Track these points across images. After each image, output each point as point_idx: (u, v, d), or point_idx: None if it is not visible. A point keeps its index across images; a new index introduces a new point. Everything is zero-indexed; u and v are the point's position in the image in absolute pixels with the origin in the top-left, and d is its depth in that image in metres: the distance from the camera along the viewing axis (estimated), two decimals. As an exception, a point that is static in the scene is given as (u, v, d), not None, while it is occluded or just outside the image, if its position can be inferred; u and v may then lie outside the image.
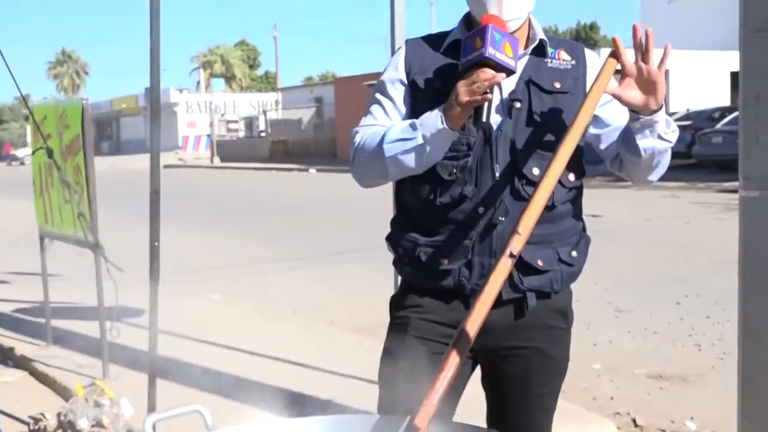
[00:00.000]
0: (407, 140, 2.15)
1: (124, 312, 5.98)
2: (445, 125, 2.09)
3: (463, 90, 2.04)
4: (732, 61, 26.29)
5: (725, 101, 29.63)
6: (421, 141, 2.13)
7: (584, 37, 61.13)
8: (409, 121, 2.18)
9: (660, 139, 2.19)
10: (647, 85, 2.14)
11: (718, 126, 22.14)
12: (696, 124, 23.15)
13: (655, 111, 2.15)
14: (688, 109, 26.29)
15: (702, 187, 18.58)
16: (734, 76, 29.16)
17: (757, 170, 2.23)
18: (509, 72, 2.07)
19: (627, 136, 2.22)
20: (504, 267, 1.97)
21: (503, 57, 2.03)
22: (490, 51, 2.02)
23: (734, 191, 2.82)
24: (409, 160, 2.16)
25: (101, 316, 5.22)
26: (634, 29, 2.13)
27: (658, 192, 17.11)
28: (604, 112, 2.30)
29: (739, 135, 2.29)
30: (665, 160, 2.28)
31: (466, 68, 2.07)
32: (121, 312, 5.31)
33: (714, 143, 21.38)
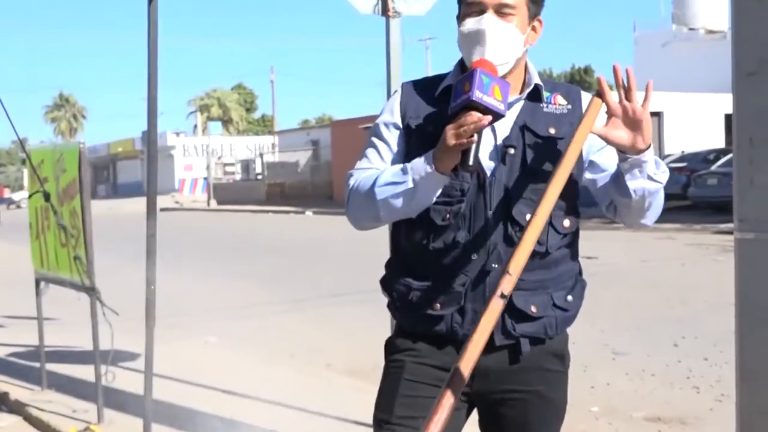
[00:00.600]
0: (398, 184, 2.17)
1: (120, 356, 5.95)
2: (433, 169, 2.10)
3: (450, 133, 2.06)
4: (726, 103, 26.51)
5: (720, 143, 29.78)
6: (411, 185, 2.14)
7: (579, 80, 61.54)
8: (401, 165, 2.20)
9: (650, 180, 2.21)
10: (633, 123, 2.16)
11: (713, 168, 22.23)
12: (691, 166, 23.25)
13: (643, 150, 2.17)
14: (683, 151, 26.40)
15: (698, 229, 18.60)
16: (728, 118, 29.36)
17: (752, 212, 2.24)
18: (498, 115, 2.07)
19: (617, 178, 2.24)
20: (495, 308, 1.98)
21: (491, 100, 2.04)
22: (477, 94, 2.02)
23: (730, 233, 2.82)
24: (400, 203, 2.18)
25: (96, 360, 5.19)
26: (615, 69, 2.15)
27: (654, 233, 17.12)
28: (601, 157, 2.31)
29: (733, 178, 2.29)
30: (658, 202, 2.29)
31: (455, 112, 2.08)
32: (116, 356, 5.28)
33: (709, 185, 21.45)
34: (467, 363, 1.95)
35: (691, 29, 41.96)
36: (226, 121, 76.16)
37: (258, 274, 13.72)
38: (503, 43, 2.19)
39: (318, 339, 8.19)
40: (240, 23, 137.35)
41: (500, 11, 2.19)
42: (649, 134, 2.17)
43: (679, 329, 7.92)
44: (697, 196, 21.84)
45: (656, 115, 31.08)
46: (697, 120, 31.60)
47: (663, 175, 2.24)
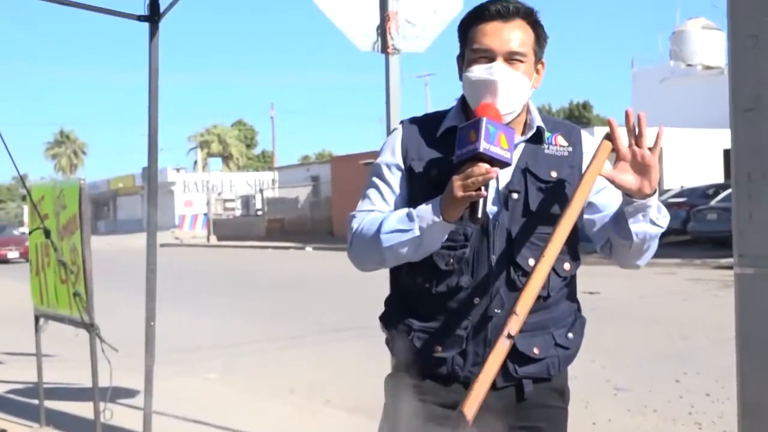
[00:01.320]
0: (404, 231, 2.15)
1: (119, 393, 5.92)
2: (441, 219, 2.09)
3: (457, 185, 2.03)
4: (724, 138, 26.58)
5: (719, 178, 29.87)
6: (417, 233, 2.13)
7: (577, 115, 61.82)
8: (406, 211, 2.18)
9: (652, 224, 2.21)
10: (642, 168, 2.15)
11: (713, 203, 22.28)
12: (690, 201, 23.28)
13: (649, 195, 2.17)
14: (682, 187, 26.47)
15: (698, 264, 18.58)
16: (727, 153, 29.47)
17: (752, 248, 2.24)
18: (505, 164, 2.06)
19: (619, 220, 2.23)
20: (502, 348, 1.98)
21: (498, 150, 2.02)
22: (484, 146, 2.00)
23: (730, 267, 2.83)
24: (406, 250, 2.17)
25: (95, 397, 5.16)
26: (627, 114, 2.15)
27: (655, 269, 17.10)
28: (599, 198, 2.31)
29: (732, 213, 2.30)
30: (655, 245, 2.30)
31: (461, 162, 2.06)
32: (115, 393, 5.26)
33: (709, 220, 21.48)
34: (471, 405, 1.95)
35: (688, 65, 42.23)
36: (227, 157, 76.38)
37: (258, 310, 13.68)
38: (513, 92, 2.18)
39: (318, 375, 8.15)
40: (240, 60, 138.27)
41: (510, 59, 2.18)
42: (656, 179, 2.16)
43: (681, 365, 7.88)
44: (697, 231, 21.85)
45: (655, 150, 31.19)
46: (695, 155, 31.72)
47: (664, 220, 2.24)
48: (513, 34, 2.19)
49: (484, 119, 2.03)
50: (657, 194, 2.20)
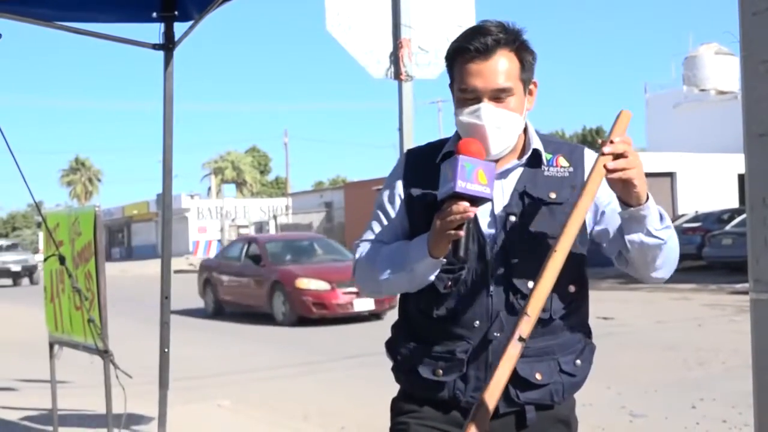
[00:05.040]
0: (396, 266, 2.21)
1: (133, 419, 5.92)
2: (428, 256, 2.12)
3: (438, 224, 2.06)
4: (739, 163, 26.52)
5: (733, 203, 29.75)
6: (408, 269, 2.18)
7: (590, 141, 61.76)
8: (401, 245, 2.24)
9: (649, 236, 2.15)
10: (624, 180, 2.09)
11: (728, 228, 22.16)
12: (705, 226, 23.17)
13: (642, 203, 2.11)
14: (696, 211, 26.35)
15: (714, 289, 18.48)
16: (742, 178, 29.41)
17: (767, 273, 2.23)
18: (485, 200, 2.06)
19: (620, 229, 2.21)
20: (513, 353, 1.95)
21: (475, 187, 2.01)
22: (460, 185, 2.00)
23: (746, 293, 2.81)
24: (400, 283, 2.25)
25: (109, 424, 5.16)
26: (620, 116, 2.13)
27: (670, 294, 17.02)
28: (611, 206, 2.26)
29: (747, 238, 2.29)
30: (665, 258, 2.22)
31: (443, 200, 2.06)
32: (129, 419, 5.25)
33: (724, 245, 21.35)
34: (492, 395, 1.94)
35: (702, 90, 42.17)
36: (240, 184, 76.64)
37: (271, 336, 13.68)
38: (503, 132, 2.17)
39: (332, 401, 8.13)
40: (254, 87, 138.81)
41: (496, 97, 2.16)
42: (643, 190, 2.09)
43: (697, 391, 7.82)
44: (712, 256, 21.73)
45: (669, 175, 31.17)
46: (710, 180, 31.63)
47: (665, 231, 2.17)
48: (496, 71, 2.16)
49: (460, 158, 2.03)
50: (652, 203, 2.14)
